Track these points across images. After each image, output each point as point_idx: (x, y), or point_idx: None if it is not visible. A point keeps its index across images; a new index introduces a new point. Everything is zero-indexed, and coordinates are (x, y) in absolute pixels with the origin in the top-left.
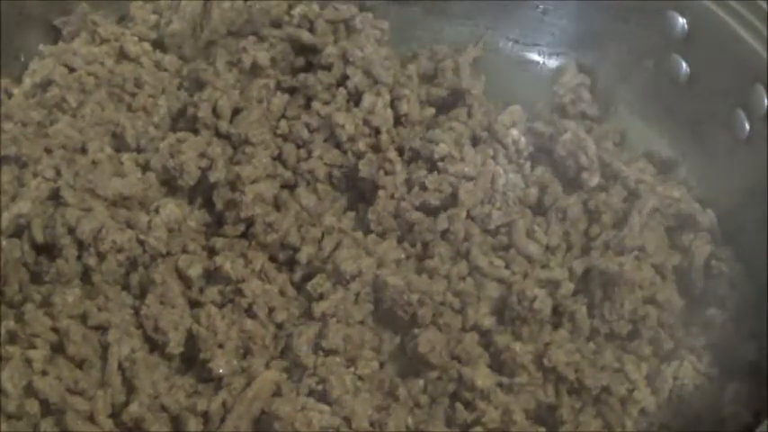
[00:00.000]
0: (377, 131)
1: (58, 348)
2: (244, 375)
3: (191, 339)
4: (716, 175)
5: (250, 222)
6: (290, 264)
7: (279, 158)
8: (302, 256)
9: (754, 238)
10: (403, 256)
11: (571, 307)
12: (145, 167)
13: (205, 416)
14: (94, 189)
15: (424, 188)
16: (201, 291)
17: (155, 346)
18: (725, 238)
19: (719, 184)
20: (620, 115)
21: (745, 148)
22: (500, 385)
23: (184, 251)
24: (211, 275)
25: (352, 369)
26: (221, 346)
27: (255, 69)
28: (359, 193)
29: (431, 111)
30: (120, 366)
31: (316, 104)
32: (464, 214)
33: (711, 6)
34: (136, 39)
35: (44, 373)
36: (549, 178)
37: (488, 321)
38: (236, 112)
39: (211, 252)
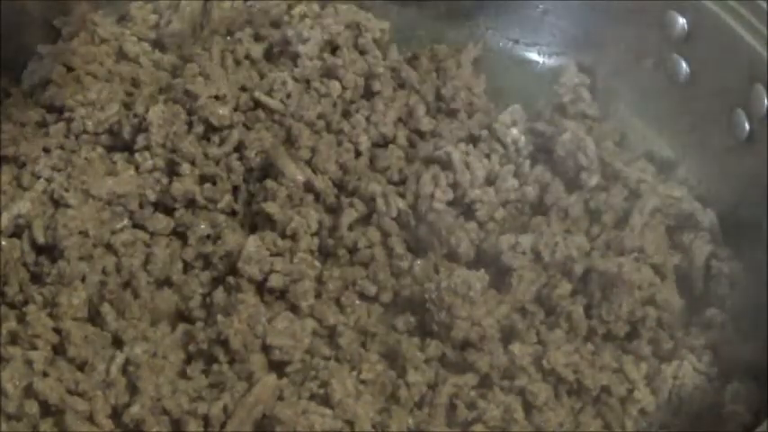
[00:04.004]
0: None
1: (59, 350)
2: (245, 380)
3: None
4: (716, 175)
5: None
6: None
7: None
8: None
9: (754, 238)
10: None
11: (568, 308)
12: (137, 166)
13: (206, 419)
14: (89, 189)
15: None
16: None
17: None
18: (725, 238)
19: (719, 184)
20: (620, 115)
21: (745, 148)
22: (501, 387)
23: None
24: None
25: (354, 373)
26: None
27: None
28: None
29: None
30: (123, 369)
31: None
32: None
33: (711, 6)
34: (135, 39)
35: (45, 374)
36: (549, 177)
37: (488, 321)
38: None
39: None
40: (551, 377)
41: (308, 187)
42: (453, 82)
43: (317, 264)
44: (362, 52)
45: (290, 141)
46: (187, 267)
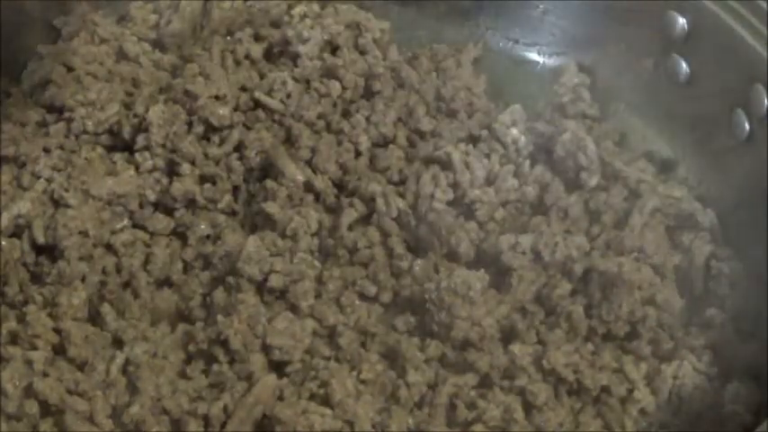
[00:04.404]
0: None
1: (59, 350)
2: (245, 380)
3: None
4: (716, 175)
5: None
6: None
7: None
8: None
9: (754, 238)
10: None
11: (568, 308)
12: (137, 166)
13: (206, 419)
14: (89, 189)
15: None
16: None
17: None
18: (725, 238)
19: (719, 184)
20: (620, 115)
21: (745, 148)
22: (501, 387)
23: None
24: None
25: (354, 373)
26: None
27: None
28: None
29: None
30: (123, 369)
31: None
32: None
33: (711, 6)
34: (135, 39)
35: (45, 374)
36: (549, 177)
37: (488, 321)
38: None
39: None
40: (551, 377)
41: (308, 187)
42: (453, 82)
43: (317, 264)
44: (362, 52)
45: (290, 141)
46: (187, 267)
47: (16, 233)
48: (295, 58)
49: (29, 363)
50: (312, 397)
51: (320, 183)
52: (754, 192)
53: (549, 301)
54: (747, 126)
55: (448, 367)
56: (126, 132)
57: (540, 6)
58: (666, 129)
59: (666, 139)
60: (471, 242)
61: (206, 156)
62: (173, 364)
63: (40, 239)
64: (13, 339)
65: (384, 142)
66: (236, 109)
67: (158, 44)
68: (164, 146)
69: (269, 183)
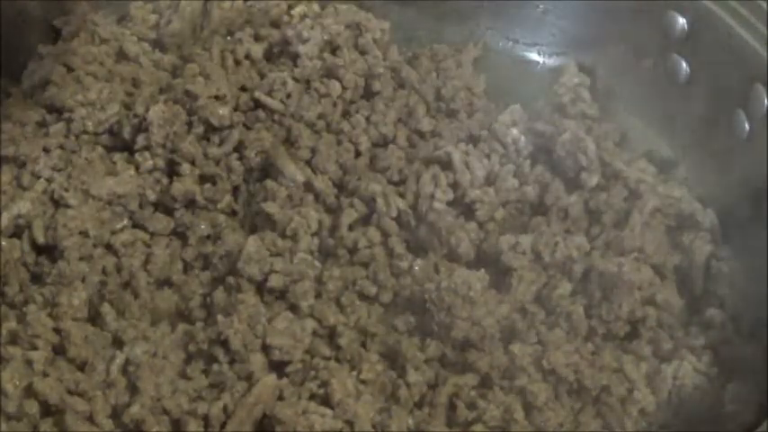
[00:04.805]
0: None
1: (59, 350)
2: (245, 380)
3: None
4: (716, 175)
5: None
6: None
7: None
8: None
9: (754, 238)
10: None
11: (568, 308)
12: (137, 166)
13: (206, 419)
14: (89, 189)
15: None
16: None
17: None
18: (725, 238)
19: (719, 184)
20: (620, 115)
21: (745, 148)
22: (501, 387)
23: None
24: None
25: (354, 373)
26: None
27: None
28: None
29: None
30: (124, 369)
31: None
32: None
33: (711, 6)
34: (135, 39)
35: (45, 374)
36: (549, 178)
37: (488, 321)
38: None
39: None
40: (551, 377)
41: (308, 187)
42: (453, 82)
43: (317, 264)
44: (362, 52)
45: (290, 141)
46: (187, 267)
47: (16, 233)
48: (295, 58)
49: (29, 363)
50: (312, 397)
51: (320, 183)
52: (754, 192)
53: (549, 301)
54: (747, 126)
55: (448, 367)
56: (126, 132)
57: (540, 6)
58: (666, 129)
59: (666, 139)
60: (471, 242)
61: (206, 156)
62: (173, 364)
63: (40, 239)
64: (13, 339)
65: (384, 142)
66: (236, 109)
67: (158, 44)
68: (164, 146)
69: (269, 183)
